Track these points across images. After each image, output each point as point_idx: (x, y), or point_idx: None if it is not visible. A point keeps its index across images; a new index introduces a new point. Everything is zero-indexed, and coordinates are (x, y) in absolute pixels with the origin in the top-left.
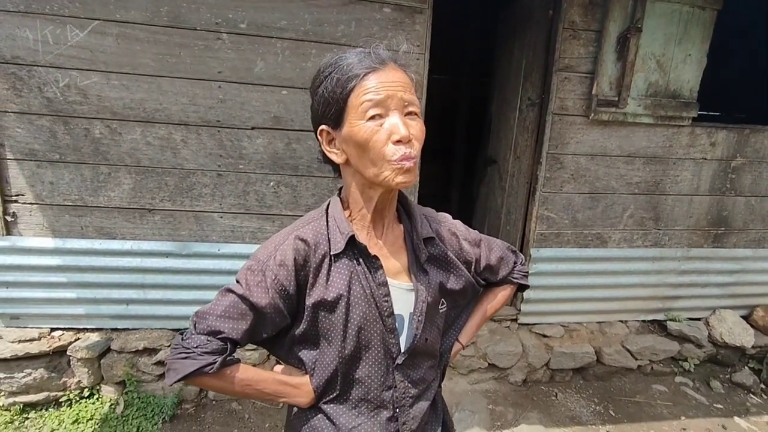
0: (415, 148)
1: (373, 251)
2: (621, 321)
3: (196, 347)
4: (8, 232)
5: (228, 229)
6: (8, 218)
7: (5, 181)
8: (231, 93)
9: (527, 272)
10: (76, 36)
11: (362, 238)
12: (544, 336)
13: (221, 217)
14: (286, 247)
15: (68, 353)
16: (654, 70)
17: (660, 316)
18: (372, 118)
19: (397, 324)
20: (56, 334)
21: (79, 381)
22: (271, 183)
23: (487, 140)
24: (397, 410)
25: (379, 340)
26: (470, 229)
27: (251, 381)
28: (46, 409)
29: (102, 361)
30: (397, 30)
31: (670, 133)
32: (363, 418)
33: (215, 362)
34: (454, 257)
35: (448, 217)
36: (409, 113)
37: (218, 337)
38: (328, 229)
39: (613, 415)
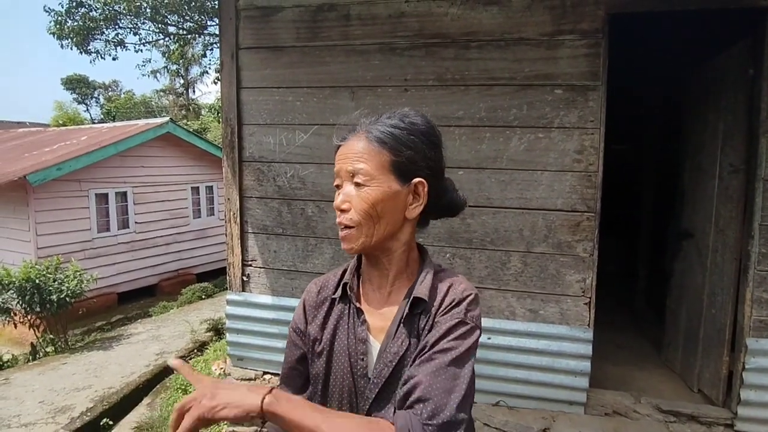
0: (347, 217)
1: (367, 305)
2: None
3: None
4: (243, 289)
5: None
6: (244, 278)
7: (245, 250)
8: None
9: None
10: (301, 138)
11: (364, 290)
12: None
13: None
14: (305, 291)
15: None
16: None
17: None
18: (336, 187)
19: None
20: (267, 377)
21: None
22: (447, 255)
23: (679, 211)
24: None
25: (347, 400)
26: (468, 314)
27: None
28: None
29: None
30: (570, 108)
31: None
32: None
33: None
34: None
35: (463, 282)
36: (356, 183)
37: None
38: (342, 276)
39: None
